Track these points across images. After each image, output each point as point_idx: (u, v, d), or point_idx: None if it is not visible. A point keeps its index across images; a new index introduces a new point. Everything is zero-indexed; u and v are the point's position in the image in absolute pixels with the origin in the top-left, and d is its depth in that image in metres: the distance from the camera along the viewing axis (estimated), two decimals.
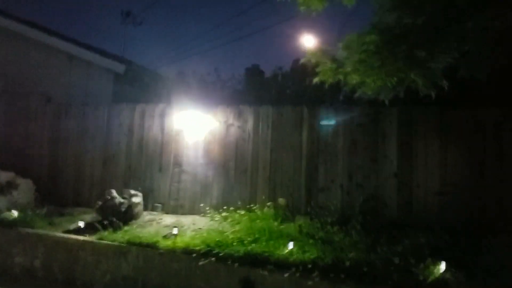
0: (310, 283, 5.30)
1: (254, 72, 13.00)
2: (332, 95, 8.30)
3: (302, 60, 6.51)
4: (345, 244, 6.05)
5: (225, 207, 8.00)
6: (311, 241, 6.24)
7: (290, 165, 8.06)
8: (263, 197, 8.02)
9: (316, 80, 6.35)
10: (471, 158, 6.99)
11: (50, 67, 11.04)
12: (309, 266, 5.46)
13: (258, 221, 7.26)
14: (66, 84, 10.86)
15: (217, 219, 7.80)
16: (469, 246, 5.78)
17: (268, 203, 7.75)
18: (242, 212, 7.70)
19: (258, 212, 7.62)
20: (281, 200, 7.52)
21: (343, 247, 5.95)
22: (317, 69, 6.23)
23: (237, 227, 7.00)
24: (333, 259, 5.50)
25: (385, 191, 7.41)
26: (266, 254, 5.82)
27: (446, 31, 5.21)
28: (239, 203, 8.04)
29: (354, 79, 5.80)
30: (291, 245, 5.88)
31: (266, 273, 5.59)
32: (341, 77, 6.03)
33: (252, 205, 7.88)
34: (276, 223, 7.07)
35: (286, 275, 5.47)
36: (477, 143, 6.99)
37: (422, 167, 7.25)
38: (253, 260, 5.77)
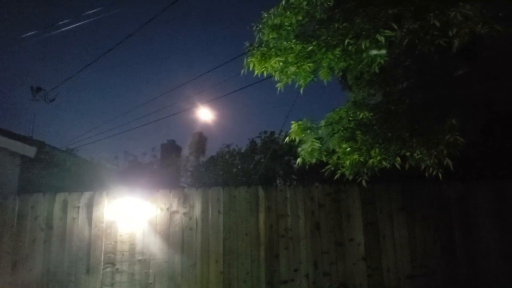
0: None
1: (170, 148, 12.17)
2: (285, 173, 7.80)
3: (287, 139, 5.94)
4: None
5: None
6: None
7: (247, 255, 7.18)
8: None
9: (299, 161, 5.80)
10: (439, 235, 6.76)
11: None
12: None
13: None
14: None
15: None
16: None
17: None
18: None
19: None
20: None
21: None
22: (301, 149, 5.69)
23: None
24: None
25: (355, 278, 6.82)
26: None
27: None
28: None
29: (347, 159, 5.32)
30: None
31: None
32: (323, 157, 5.55)
33: None
34: None
35: None
36: (444, 219, 6.83)
37: (390, 247, 6.85)
38: None
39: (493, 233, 6.73)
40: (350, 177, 5.80)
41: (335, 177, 5.94)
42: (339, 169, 5.81)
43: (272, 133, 9.08)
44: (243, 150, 8.61)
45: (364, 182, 5.81)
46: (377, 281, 6.75)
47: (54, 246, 7.52)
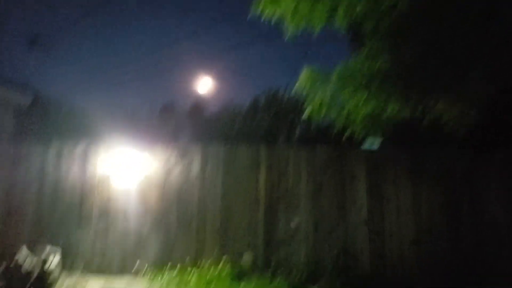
0: None
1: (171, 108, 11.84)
2: (288, 133, 7.48)
3: (296, 86, 5.57)
4: None
5: (168, 265, 6.58)
6: None
7: (245, 213, 6.94)
8: (214, 252, 6.74)
9: (307, 111, 5.47)
10: (446, 202, 6.50)
11: None
12: None
13: (214, 282, 5.97)
14: None
15: (159, 281, 6.33)
16: None
17: (223, 258, 6.50)
18: (191, 271, 6.36)
19: (211, 270, 6.32)
20: (247, 255, 6.29)
21: None
22: (309, 102, 5.35)
23: None
24: None
25: (356, 242, 6.60)
26: None
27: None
28: (187, 259, 6.66)
29: (359, 113, 4.98)
30: None
31: None
32: (332, 113, 5.21)
33: (201, 262, 6.57)
34: (237, 284, 5.84)
35: None
36: (451, 186, 6.55)
37: (393, 212, 6.60)
38: None
39: (502, 203, 6.46)
40: (360, 136, 5.48)
41: (344, 135, 5.61)
42: (349, 127, 5.47)
43: (277, 91, 8.71)
44: (245, 108, 8.27)
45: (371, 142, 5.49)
46: (379, 246, 6.53)
47: (47, 197, 7.28)
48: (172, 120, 7.95)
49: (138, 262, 6.77)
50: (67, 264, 6.79)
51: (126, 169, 7.24)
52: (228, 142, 7.34)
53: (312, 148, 7.02)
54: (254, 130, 7.37)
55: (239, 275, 6.21)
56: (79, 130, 8.06)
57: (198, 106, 9.61)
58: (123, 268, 6.84)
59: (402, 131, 5.70)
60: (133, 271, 6.73)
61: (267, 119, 7.50)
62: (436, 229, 6.42)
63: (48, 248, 6.35)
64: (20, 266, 5.91)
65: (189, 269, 6.46)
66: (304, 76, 5.41)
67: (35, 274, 5.93)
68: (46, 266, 6.09)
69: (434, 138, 6.49)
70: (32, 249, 6.35)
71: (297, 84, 5.53)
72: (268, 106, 7.69)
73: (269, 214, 6.87)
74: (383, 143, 6.36)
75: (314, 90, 5.37)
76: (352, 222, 6.66)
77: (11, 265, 5.93)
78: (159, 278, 6.39)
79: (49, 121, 8.53)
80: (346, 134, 5.65)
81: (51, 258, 6.20)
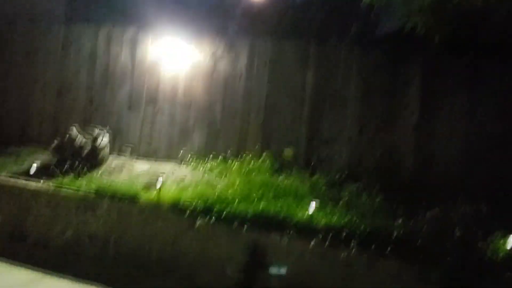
0: (343, 255, 4.26)
1: None
2: (342, 29, 7.05)
3: None
4: (371, 208, 5.04)
5: (210, 155, 6.75)
6: (328, 202, 5.17)
7: (289, 111, 6.85)
8: (256, 147, 6.81)
9: None
10: (503, 115, 6.09)
11: None
12: (341, 233, 4.39)
13: (254, 174, 6.10)
14: None
15: (201, 169, 6.55)
16: None
17: (264, 153, 6.57)
18: (232, 162, 6.51)
19: (252, 163, 6.43)
20: (287, 151, 6.32)
21: (371, 211, 4.94)
22: None
23: (231, 181, 5.79)
24: (370, 226, 4.46)
25: (402, 147, 6.44)
26: (282, 215, 4.68)
27: None
28: (229, 151, 6.79)
29: None
30: (313, 206, 4.76)
31: (284, 239, 4.48)
32: None
33: (242, 155, 6.68)
34: (277, 178, 5.93)
35: (311, 243, 4.39)
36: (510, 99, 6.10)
37: (446, 120, 6.30)
38: (266, 223, 4.63)
39: None
40: (422, 31, 5.05)
41: (406, 27, 5.18)
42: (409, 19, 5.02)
43: None
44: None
45: (436, 38, 5.04)
46: (426, 153, 6.32)
47: (97, 79, 7.44)
48: (220, 10, 7.62)
49: (182, 150, 6.97)
50: (115, 147, 7.13)
51: (174, 58, 7.19)
52: (276, 37, 7.07)
53: (365, 49, 6.64)
54: (306, 26, 7.00)
55: (278, 169, 6.30)
56: (129, 13, 7.92)
57: None
58: (168, 155, 7.09)
59: (467, 32, 5.20)
60: (177, 157, 6.95)
61: (321, 14, 7.06)
62: (490, 141, 6.09)
63: (97, 129, 6.63)
64: (73, 141, 6.23)
65: (230, 160, 6.58)
66: None
67: (87, 149, 6.26)
68: (97, 143, 6.39)
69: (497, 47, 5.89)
70: (83, 129, 6.66)
71: None
72: None
73: (314, 113, 6.75)
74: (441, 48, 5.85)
75: None
76: (400, 127, 6.43)
77: (65, 140, 6.26)
78: (202, 165, 6.59)
79: (100, 5, 8.41)
80: (407, 26, 5.19)
81: (100, 138, 6.48)
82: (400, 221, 4.72)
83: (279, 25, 7.01)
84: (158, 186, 5.35)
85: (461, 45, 5.86)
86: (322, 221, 4.56)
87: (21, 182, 5.69)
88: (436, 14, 4.81)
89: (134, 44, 7.38)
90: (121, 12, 7.79)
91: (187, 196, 5.12)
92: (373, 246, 4.21)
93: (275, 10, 7.20)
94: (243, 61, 7.04)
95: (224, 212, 4.76)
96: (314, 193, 5.41)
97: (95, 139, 6.41)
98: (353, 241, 4.30)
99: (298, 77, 6.83)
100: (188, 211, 4.88)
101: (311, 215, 4.67)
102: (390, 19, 6.02)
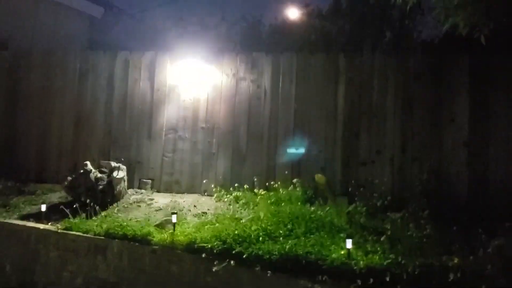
0: None
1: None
2: (375, 37, 6.36)
3: None
4: (420, 241, 4.24)
5: (235, 185, 6.14)
6: (369, 236, 4.41)
7: (321, 131, 6.17)
8: (286, 172, 6.14)
9: None
10: None
11: (9, 7, 8.73)
12: (384, 277, 3.63)
13: (283, 204, 5.42)
14: (30, 29, 8.66)
15: (225, 200, 5.95)
16: None
17: (294, 180, 5.89)
18: (259, 191, 5.87)
19: (281, 192, 5.76)
20: (319, 177, 5.59)
21: (420, 246, 4.14)
22: None
23: (257, 213, 5.13)
24: (420, 266, 3.67)
25: (451, 165, 5.61)
26: (313, 256, 3.96)
27: None
28: (255, 179, 6.16)
29: None
30: (349, 244, 4.00)
31: (315, 287, 3.74)
32: None
33: (271, 182, 6.03)
34: (308, 208, 5.22)
35: None
36: None
37: (502, 133, 5.45)
38: (295, 266, 3.92)
39: None
40: (464, 31, 4.30)
41: (444, 27, 4.44)
42: (450, 17, 4.28)
43: None
44: (324, 12, 7.13)
45: (482, 38, 4.28)
46: (479, 171, 5.49)
47: (115, 108, 7.03)
48: (239, 28, 7.18)
49: (205, 180, 6.41)
50: (135, 179, 6.65)
51: (193, 80, 6.70)
52: (303, 51, 6.45)
53: (402, 57, 5.92)
54: (334, 37, 6.36)
55: (311, 198, 5.60)
56: (147, 39, 7.60)
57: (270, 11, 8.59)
58: (190, 185, 6.55)
59: None
60: (200, 188, 6.40)
61: (350, 23, 6.41)
62: None
63: (113, 163, 6.17)
64: (87, 177, 5.79)
65: (257, 189, 5.96)
66: None
67: (102, 185, 5.79)
68: (112, 177, 5.93)
69: None
70: (99, 163, 6.24)
71: None
72: (352, 7, 6.56)
73: (348, 132, 6.04)
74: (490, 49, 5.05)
75: None
76: (448, 142, 5.64)
77: (78, 176, 5.84)
78: (226, 195, 6.01)
79: (118, 34, 8.18)
80: (446, 26, 4.44)
81: (116, 173, 6.01)
82: (457, 257, 3.92)
83: (305, 39, 6.42)
84: (172, 224, 4.76)
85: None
86: (361, 262, 3.80)
87: (28, 225, 5.27)
88: (480, 8, 4.05)
89: (152, 69, 6.94)
90: (139, 41, 7.46)
91: (205, 234, 4.49)
92: None
93: (300, 23, 6.66)
94: (267, 79, 6.46)
95: (246, 254, 4.09)
96: (352, 226, 4.66)
97: (110, 174, 5.94)
98: (399, 286, 3.53)
99: (329, 93, 6.17)
100: (204, 254, 4.24)
101: (348, 255, 3.92)
102: (427, 21, 5.27)
